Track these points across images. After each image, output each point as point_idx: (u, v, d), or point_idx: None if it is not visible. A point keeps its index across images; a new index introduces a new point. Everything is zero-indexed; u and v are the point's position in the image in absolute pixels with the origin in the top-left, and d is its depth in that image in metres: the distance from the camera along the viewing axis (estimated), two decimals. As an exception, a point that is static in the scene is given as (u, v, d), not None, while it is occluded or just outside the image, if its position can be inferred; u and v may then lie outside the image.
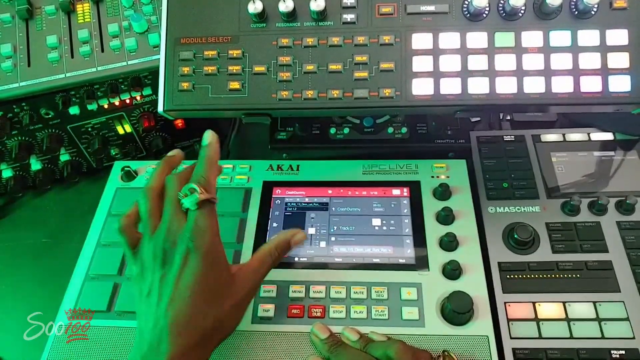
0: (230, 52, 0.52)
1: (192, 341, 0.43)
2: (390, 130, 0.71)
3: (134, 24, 0.65)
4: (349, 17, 0.51)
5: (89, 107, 0.68)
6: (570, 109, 0.52)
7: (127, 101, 0.70)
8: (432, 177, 0.63)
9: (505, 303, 0.53)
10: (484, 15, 0.50)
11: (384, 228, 0.59)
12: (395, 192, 0.62)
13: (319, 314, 0.53)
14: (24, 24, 0.67)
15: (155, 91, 0.69)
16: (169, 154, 0.53)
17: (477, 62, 0.50)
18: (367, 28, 0.51)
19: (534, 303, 0.53)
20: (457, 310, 0.50)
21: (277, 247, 0.50)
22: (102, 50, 0.66)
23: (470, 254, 0.56)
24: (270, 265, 0.49)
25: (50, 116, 0.68)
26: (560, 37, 0.49)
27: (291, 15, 0.51)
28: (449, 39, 0.50)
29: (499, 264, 0.56)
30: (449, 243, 0.56)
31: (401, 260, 0.56)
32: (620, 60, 0.49)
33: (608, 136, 0.65)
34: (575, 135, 0.65)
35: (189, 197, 0.45)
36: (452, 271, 0.53)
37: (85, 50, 0.65)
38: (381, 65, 0.50)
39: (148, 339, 0.42)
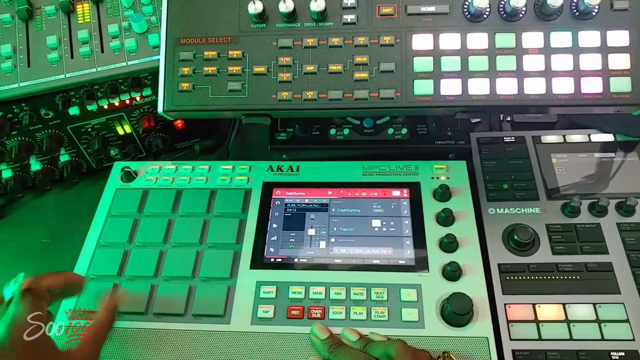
0: (230, 52, 0.52)
1: None
2: (390, 131, 0.71)
3: (134, 24, 0.65)
4: (349, 17, 0.51)
5: (89, 107, 0.68)
6: (571, 110, 0.52)
7: (127, 102, 0.70)
8: (432, 178, 0.63)
9: (505, 304, 0.53)
10: (485, 16, 0.50)
11: (384, 229, 0.59)
12: (395, 193, 0.62)
13: (318, 315, 0.52)
14: (24, 25, 0.67)
15: (155, 92, 0.69)
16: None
17: (478, 63, 0.50)
18: (367, 29, 0.51)
19: (533, 304, 0.52)
20: (457, 311, 0.50)
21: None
22: (102, 51, 0.66)
23: (470, 255, 0.56)
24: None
25: (50, 116, 0.68)
26: (561, 38, 0.49)
27: (291, 16, 0.51)
28: (450, 40, 0.50)
29: (499, 265, 0.56)
30: (449, 244, 0.56)
31: (401, 262, 0.56)
32: (621, 61, 0.49)
33: (608, 137, 0.65)
34: (575, 137, 0.65)
35: (9, 286, 0.44)
36: (452, 272, 0.53)
37: (85, 51, 0.65)
38: (381, 66, 0.50)
39: None
